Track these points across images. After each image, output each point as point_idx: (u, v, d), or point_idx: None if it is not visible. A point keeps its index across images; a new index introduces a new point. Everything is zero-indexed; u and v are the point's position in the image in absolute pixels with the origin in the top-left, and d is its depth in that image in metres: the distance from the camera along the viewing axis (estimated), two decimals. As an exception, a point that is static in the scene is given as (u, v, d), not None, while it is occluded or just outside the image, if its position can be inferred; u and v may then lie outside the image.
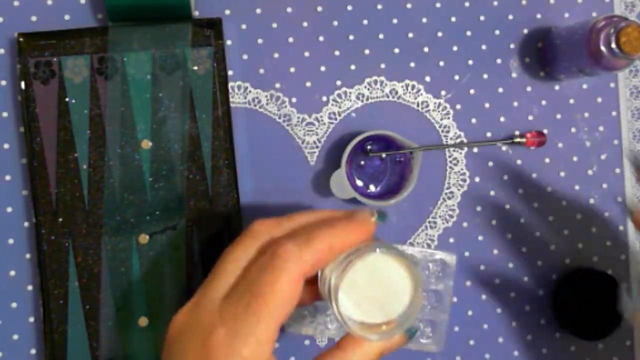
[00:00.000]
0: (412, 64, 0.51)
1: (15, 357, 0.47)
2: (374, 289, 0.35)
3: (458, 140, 0.51)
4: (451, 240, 0.51)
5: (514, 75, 0.52)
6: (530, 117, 0.51)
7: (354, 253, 0.33)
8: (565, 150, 0.52)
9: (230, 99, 0.48)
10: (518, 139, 0.50)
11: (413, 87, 0.50)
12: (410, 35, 0.51)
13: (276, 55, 0.49)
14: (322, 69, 0.50)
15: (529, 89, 0.52)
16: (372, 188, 0.49)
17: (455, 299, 0.50)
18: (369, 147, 0.48)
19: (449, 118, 0.51)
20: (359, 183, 0.49)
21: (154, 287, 0.46)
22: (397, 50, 0.50)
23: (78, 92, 0.46)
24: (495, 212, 0.51)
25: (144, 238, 0.46)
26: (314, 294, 0.36)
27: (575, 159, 0.52)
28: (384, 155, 0.49)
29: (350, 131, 0.50)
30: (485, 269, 0.51)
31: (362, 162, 0.49)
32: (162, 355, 0.34)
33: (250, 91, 0.49)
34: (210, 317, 0.32)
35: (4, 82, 0.47)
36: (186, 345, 0.32)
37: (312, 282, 0.35)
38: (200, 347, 0.31)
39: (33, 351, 0.47)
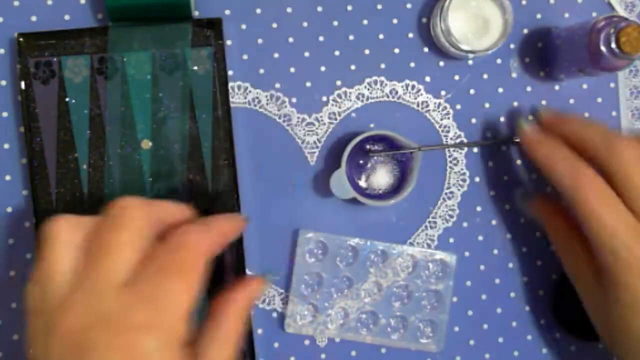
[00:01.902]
0: (412, 64, 0.51)
1: (15, 358, 0.47)
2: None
3: (458, 140, 0.51)
4: (451, 240, 0.51)
5: (514, 75, 0.52)
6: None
7: None
8: (565, 150, 0.52)
9: (230, 99, 0.48)
10: (518, 139, 0.50)
11: (413, 87, 0.50)
12: (410, 35, 0.51)
13: (276, 55, 0.49)
14: (322, 69, 0.50)
15: (529, 89, 0.52)
16: (372, 188, 0.49)
17: (455, 299, 0.50)
18: (368, 147, 0.48)
19: (449, 118, 0.51)
20: (359, 183, 0.49)
21: (154, 287, 0.46)
22: (397, 50, 0.50)
23: (78, 92, 0.46)
24: (495, 212, 0.51)
25: (144, 238, 0.46)
26: None
27: (575, 159, 0.52)
28: (383, 155, 0.48)
29: (350, 131, 0.50)
30: (485, 269, 0.51)
31: (362, 162, 0.49)
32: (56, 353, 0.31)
33: (250, 91, 0.49)
34: (117, 304, 0.31)
35: (4, 82, 0.47)
36: (105, 343, 0.31)
37: None
38: (124, 344, 0.31)
39: (33, 351, 0.47)
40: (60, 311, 0.32)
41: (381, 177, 0.48)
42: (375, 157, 0.49)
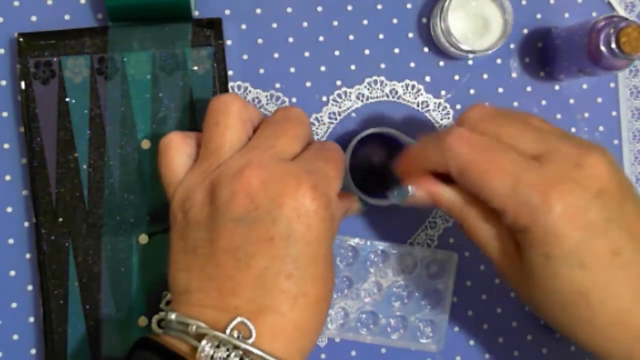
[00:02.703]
0: (412, 64, 0.51)
1: (15, 357, 0.47)
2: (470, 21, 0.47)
3: (458, 140, 0.51)
4: (451, 240, 0.51)
5: (514, 75, 0.52)
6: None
7: None
8: (565, 150, 0.52)
9: (230, 99, 0.48)
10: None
11: (413, 87, 0.50)
12: (410, 35, 0.51)
13: (276, 55, 0.49)
14: (322, 69, 0.50)
15: (529, 89, 0.52)
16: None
17: (455, 299, 0.50)
18: (369, 144, 0.48)
19: (449, 118, 0.51)
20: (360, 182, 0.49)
21: (154, 288, 0.46)
22: (397, 50, 0.50)
23: (78, 92, 0.46)
24: (495, 212, 0.51)
25: (144, 238, 0.46)
26: None
27: (575, 159, 0.52)
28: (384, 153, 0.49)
29: (350, 131, 0.50)
30: (485, 269, 0.51)
31: (363, 160, 0.49)
32: (241, 208, 0.34)
33: (250, 91, 0.49)
34: (289, 167, 0.36)
35: (4, 82, 0.47)
36: (280, 198, 0.34)
37: None
38: (298, 198, 0.34)
39: (33, 351, 0.47)
40: (244, 165, 0.35)
41: (382, 175, 0.48)
42: (376, 156, 0.49)
